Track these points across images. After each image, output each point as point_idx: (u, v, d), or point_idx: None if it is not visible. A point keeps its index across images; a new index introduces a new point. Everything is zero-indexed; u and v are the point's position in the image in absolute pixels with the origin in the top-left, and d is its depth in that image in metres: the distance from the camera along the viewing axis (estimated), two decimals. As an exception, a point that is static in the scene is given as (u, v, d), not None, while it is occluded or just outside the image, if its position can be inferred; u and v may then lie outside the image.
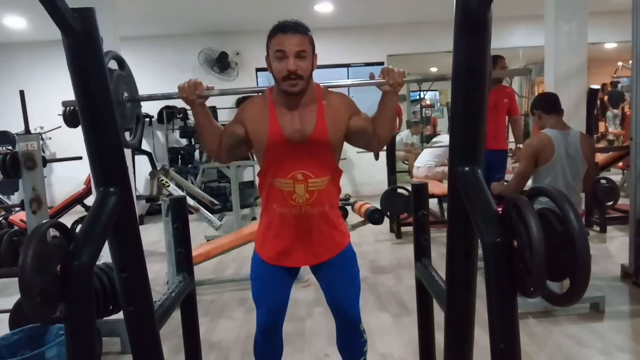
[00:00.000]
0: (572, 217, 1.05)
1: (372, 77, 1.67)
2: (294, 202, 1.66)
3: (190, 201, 4.32)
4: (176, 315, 1.80)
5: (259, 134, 1.66)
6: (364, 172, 7.59)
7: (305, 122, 1.63)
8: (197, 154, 7.29)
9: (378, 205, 4.15)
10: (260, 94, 1.76)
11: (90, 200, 5.01)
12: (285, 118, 1.64)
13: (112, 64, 1.52)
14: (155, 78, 7.29)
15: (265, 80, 7.49)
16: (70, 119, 3.66)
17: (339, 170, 1.75)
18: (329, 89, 1.72)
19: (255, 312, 1.79)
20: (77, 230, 1.34)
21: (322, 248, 1.73)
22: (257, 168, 1.74)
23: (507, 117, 4.39)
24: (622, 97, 8.63)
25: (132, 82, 1.67)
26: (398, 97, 1.67)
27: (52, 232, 1.30)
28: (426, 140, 8.73)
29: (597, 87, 4.90)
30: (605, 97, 8.96)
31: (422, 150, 6.38)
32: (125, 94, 1.59)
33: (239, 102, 7.41)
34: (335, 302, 1.79)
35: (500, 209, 1.21)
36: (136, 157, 6.48)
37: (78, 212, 5.27)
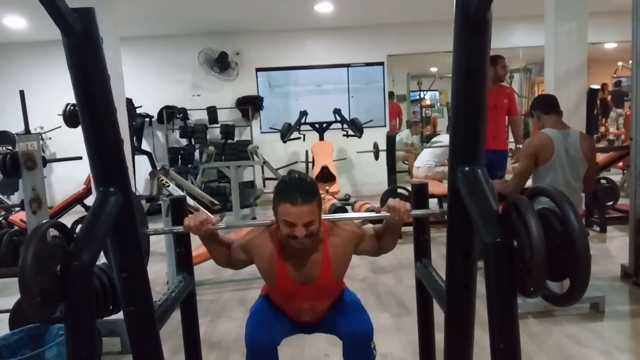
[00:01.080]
0: (572, 217, 1.05)
1: (378, 210, 1.76)
2: (300, 315, 1.81)
3: (190, 201, 4.31)
4: (176, 315, 1.80)
5: (267, 273, 1.73)
6: (364, 172, 7.59)
7: (311, 267, 1.68)
8: (197, 154, 7.29)
9: (378, 205, 4.14)
10: (267, 226, 1.74)
11: (90, 200, 5.00)
12: (292, 263, 1.68)
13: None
14: (155, 78, 7.30)
15: (265, 80, 7.51)
16: (70, 119, 3.66)
17: (341, 284, 1.85)
18: (335, 223, 1.75)
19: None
20: (77, 230, 1.34)
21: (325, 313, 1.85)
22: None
23: (507, 117, 4.39)
24: (625, 96, 8.63)
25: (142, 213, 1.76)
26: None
27: (52, 232, 1.31)
28: (426, 140, 8.73)
29: (597, 87, 4.90)
30: (609, 97, 8.95)
31: (422, 150, 6.38)
32: None
33: (238, 103, 7.41)
34: (342, 326, 1.75)
35: (500, 207, 1.21)
36: (136, 157, 6.48)
37: (78, 212, 5.26)
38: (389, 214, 1.61)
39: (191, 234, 1.92)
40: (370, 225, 1.88)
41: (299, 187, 1.55)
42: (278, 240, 1.68)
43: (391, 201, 1.61)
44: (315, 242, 1.65)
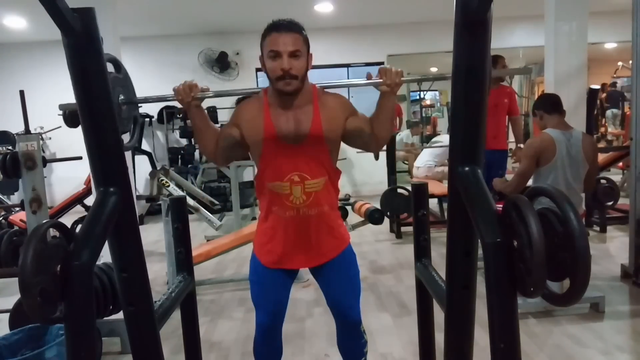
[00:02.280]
0: (572, 217, 1.05)
1: (369, 77, 1.64)
2: (291, 204, 1.64)
3: (190, 201, 4.32)
4: (176, 315, 1.80)
5: (254, 136, 1.64)
6: (364, 172, 7.59)
7: (301, 123, 1.61)
8: (197, 154, 7.29)
9: (378, 205, 4.14)
10: (255, 95, 1.74)
11: (90, 200, 5.01)
12: (280, 119, 1.62)
13: (109, 67, 1.52)
14: (155, 78, 7.28)
15: (265, 80, 7.48)
16: (70, 119, 3.65)
17: (337, 171, 1.74)
18: (325, 90, 1.71)
19: (254, 313, 1.79)
20: (77, 230, 1.34)
21: (321, 250, 1.72)
22: (257, 169, 1.74)
23: (507, 117, 4.40)
24: (622, 97, 8.62)
25: (130, 84, 1.67)
26: (396, 97, 1.66)
27: (52, 232, 1.30)
28: (426, 140, 8.73)
29: (597, 87, 4.90)
30: (604, 96, 8.95)
31: (422, 150, 6.38)
32: (122, 97, 1.58)
33: (238, 102, 7.41)
34: (335, 303, 1.79)
35: (500, 207, 1.21)
36: (136, 157, 6.48)
37: (78, 212, 5.27)
38: (381, 80, 1.58)
39: (191, 232, 1.95)
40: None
41: (286, 21, 1.58)
42: (266, 101, 1.64)
43: (383, 67, 1.59)
44: (304, 98, 1.62)
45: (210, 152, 1.72)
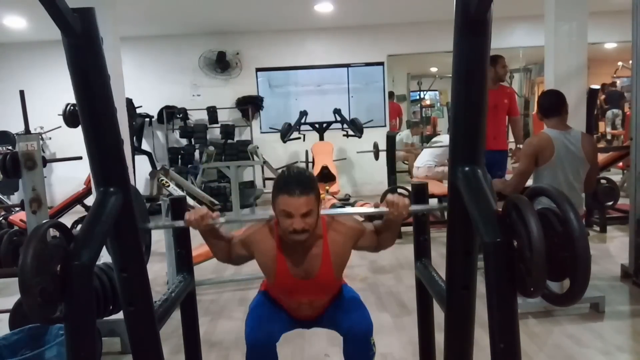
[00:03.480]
0: (572, 217, 1.05)
1: (377, 205, 1.74)
2: (299, 311, 1.81)
3: (190, 201, 4.31)
4: (176, 315, 1.80)
5: (267, 268, 1.73)
6: (364, 172, 7.59)
7: (311, 262, 1.69)
8: (197, 154, 7.29)
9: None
10: (267, 222, 1.76)
11: (90, 200, 5.00)
12: (292, 258, 1.69)
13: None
14: (155, 78, 7.30)
15: (265, 80, 7.51)
16: (70, 119, 3.66)
17: (340, 280, 1.86)
18: (335, 218, 1.76)
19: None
20: (77, 230, 1.34)
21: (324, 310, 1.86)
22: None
23: (507, 117, 4.39)
24: (621, 97, 8.62)
25: (144, 209, 1.76)
26: (401, 221, 1.71)
27: (52, 232, 1.31)
28: (426, 140, 8.73)
29: (597, 87, 4.90)
30: (602, 97, 8.95)
31: (422, 150, 6.38)
32: None
33: (238, 103, 7.41)
34: (342, 322, 1.77)
35: (500, 208, 1.21)
36: (136, 157, 6.48)
37: (78, 212, 5.26)
38: (387, 209, 1.62)
39: (191, 232, 1.94)
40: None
41: (297, 179, 1.58)
42: (278, 235, 1.69)
43: (390, 196, 1.64)
44: (314, 237, 1.67)
45: (222, 259, 1.82)
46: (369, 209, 1.75)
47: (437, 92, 11.13)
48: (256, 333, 1.72)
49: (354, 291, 1.92)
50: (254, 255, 1.75)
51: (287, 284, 1.72)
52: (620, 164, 5.64)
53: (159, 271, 4.00)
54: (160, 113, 7.35)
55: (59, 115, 4.04)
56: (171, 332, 2.64)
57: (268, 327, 1.74)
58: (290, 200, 1.55)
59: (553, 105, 2.81)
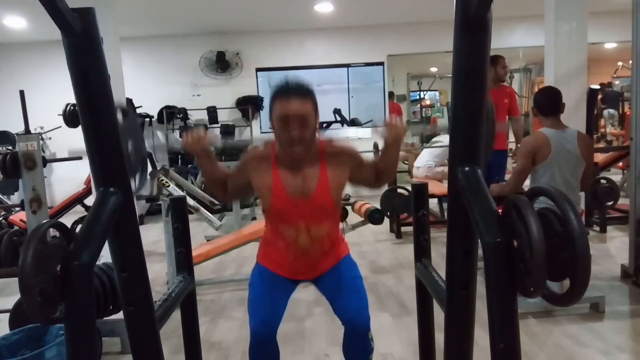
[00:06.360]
0: (572, 217, 1.05)
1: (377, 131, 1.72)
2: (296, 244, 1.74)
3: (190, 201, 4.31)
4: (176, 315, 1.80)
5: (263, 189, 1.71)
6: (364, 172, 7.58)
7: (308, 181, 1.67)
8: (197, 154, 7.28)
9: (378, 205, 4.14)
10: (263, 145, 1.78)
11: (90, 200, 5.01)
12: (288, 176, 1.68)
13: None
14: (155, 78, 7.30)
15: (265, 80, 7.51)
16: (70, 119, 3.66)
17: (339, 208, 1.81)
18: (332, 142, 1.75)
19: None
20: (77, 230, 1.34)
21: (323, 264, 1.81)
22: (264, 206, 1.76)
23: (507, 117, 4.39)
24: (620, 97, 8.60)
25: (137, 130, 1.69)
26: (399, 147, 1.70)
27: (52, 232, 1.31)
28: (426, 140, 8.73)
29: (597, 87, 4.90)
30: (600, 97, 8.93)
31: (422, 150, 6.38)
32: (130, 147, 1.60)
33: (238, 103, 7.41)
34: (341, 309, 1.77)
35: (500, 209, 1.21)
36: (136, 157, 6.47)
37: (78, 212, 5.27)
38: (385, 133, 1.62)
39: (191, 232, 1.95)
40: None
41: (295, 85, 1.59)
42: (275, 155, 1.69)
43: (387, 120, 1.63)
44: (311, 156, 1.66)
45: (218, 192, 1.80)
46: (367, 129, 1.73)
47: (437, 92, 11.13)
48: (259, 315, 1.72)
49: (357, 268, 1.88)
50: (251, 181, 1.71)
51: (284, 205, 1.68)
52: (620, 164, 5.64)
53: (159, 271, 4.01)
54: (160, 113, 7.34)
55: (59, 115, 4.04)
56: (171, 332, 2.64)
57: (270, 308, 1.74)
58: (288, 105, 1.55)
59: (552, 105, 2.81)
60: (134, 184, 1.71)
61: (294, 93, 1.57)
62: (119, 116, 1.55)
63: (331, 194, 1.69)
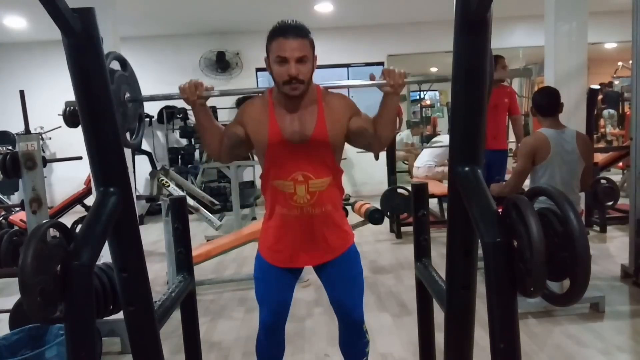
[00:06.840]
0: (572, 217, 1.05)
1: (372, 77, 1.67)
2: (295, 204, 1.66)
3: (190, 201, 4.32)
4: (176, 315, 1.80)
5: (259, 135, 1.66)
6: (364, 172, 7.59)
7: (305, 124, 1.63)
8: (197, 154, 7.29)
9: (378, 205, 4.14)
10: (260, 94, 1.76)
11: (90, 200, 5.01)
12: (285, 120, 1.64)
13: (115, 65, 1.53)
14: (155, 78, 7.27)
15: (266, 80, 7.49)
16: (70, 119, 3.65)
17: (340, 170, 1.75)
18: (329, 90, 1.72)
19: (256, 312, 1.79)
20: (77, 230, 1.34)
21: (325, 248, 1.74)
22: (258, 168, 1.75)
23: (507, 116, 4.39)
24: (620, 97, 8.60)
25: (135, 82, 1.68)
26: (399, 98, 1.65)
27: (52, 232, 1.30)
28: (426, 140, 8.73)
29: (597, 87, 4.90)
30: (600, 97, 8.92)
31: (422, 150, 6.38)
32: (128, 95, 1.59)
33: (239, 102, 7.41)
34: (338, 302, 1.79)
35: (500, 209, 1.21)
36: (136, 157, 6.48)
37: (78, 212, 5.27)
38: (384, 81, 1.58)
39: (191, 232, 1.94)
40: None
41: (292, 24, 1.57)
42: (271, 101, 1.66)
43: (386, 68, 1.60)
44: (308, 99, 1.64)
45: (214, 149, 1.74)
46: (366, 82, 1.70)
47: (437, 92, 11.13)
48: (269, 311, 1.74)
49: (360, 260, 1.82)
50: (247, 129, 1.68)
51: (281, 151, 1.63)
52: (620, 164, 5.64)
53: (159, 271, 4.01)
54: (160, 113, 7.35)
55: (59, 115, 4.04)
56: (171, 332, 2.64)
57: (277, 298, 1.75)
58: (284, 43, 1.53)
59: (550, 105, 2.81)
60: (130, 136, 1.69)
61: (292, 33, 1.54)
62: (117, 66, 1.55)
63: (329, 140, 1.64)
